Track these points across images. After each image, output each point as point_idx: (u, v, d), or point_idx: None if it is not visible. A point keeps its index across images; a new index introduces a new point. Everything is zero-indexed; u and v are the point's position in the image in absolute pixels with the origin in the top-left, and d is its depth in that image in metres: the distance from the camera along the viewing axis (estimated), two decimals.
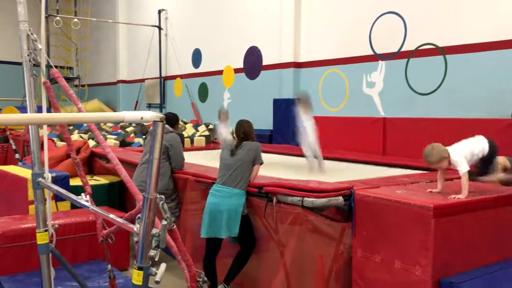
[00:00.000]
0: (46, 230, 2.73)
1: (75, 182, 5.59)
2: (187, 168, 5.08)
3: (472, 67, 6.16)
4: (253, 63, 9.84)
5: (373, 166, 5.91)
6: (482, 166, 3.60)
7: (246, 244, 4.18)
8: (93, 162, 7.19)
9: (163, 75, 12.79)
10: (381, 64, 7.35)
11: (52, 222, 2.84)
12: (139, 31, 13.58)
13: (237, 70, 10.32)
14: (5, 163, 9.53)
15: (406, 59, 6.98)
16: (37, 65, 2.68)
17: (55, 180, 2.68)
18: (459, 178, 3.45)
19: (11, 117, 1.55)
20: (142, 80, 13.53)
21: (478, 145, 3.55)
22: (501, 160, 3.83)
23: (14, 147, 10.33)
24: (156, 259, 1.77)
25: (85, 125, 8.53)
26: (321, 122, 8.19)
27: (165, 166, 4.92)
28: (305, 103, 5.77)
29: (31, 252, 4.20)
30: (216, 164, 4.57)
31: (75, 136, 8.58)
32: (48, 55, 10.70)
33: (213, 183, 4.28)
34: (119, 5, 14.52)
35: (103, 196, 6.00)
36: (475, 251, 3.39)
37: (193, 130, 9.73)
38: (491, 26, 5.96)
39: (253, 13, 9.81)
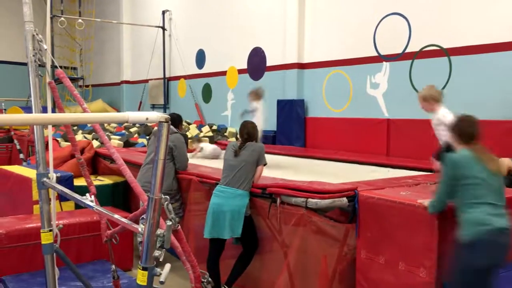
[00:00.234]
0: (50, 230, 2.74)
1: (79, 182, 5.61)
2: (191, 169, 5.09)
3: (477, 69, 6.14)
4: (257, 64, 9.83)
5: (377, 167, 5.90)
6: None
7: (249, 245, 4.18)
8: (97, 163, 7.21)
9: (167, 75, 12.80)
10: (385, 65, 7.33)
11: (57, 222, 2.85)
12: (143, 32, 13.60)
13: (241, 71, 10.31)
14: (9, 163, 9.54)
15: (410, 60, 6.96)
16: (42, 65, 2.69)
17: (59, 180, 2.68)
18: None
19: (16, 117, 1.55)
20: (146, 81, 13.54)
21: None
22: (506, 161, 3.82)
23: (18, 147, 10.36)
24: (160, 260, 1.77)
25: (89, 125, 8.56)
26: (325, 123, 8.26)
27: (169, 167, 4.93)
28: (256, 94, 6.61)
29: (35, 252, 4.21)
30: (219, 165, 4.58)
31: (79, 137, 8.60)
32: (53, 55, 10.71)
33: (217, 183, 4.29)
34: (123, 6, 14.57)
35: (107, 196, 6.01)
36: None
37: (197, 131, 9.73)
38: (495, 28, 5.94)
39: (257, 14, 9.81)
